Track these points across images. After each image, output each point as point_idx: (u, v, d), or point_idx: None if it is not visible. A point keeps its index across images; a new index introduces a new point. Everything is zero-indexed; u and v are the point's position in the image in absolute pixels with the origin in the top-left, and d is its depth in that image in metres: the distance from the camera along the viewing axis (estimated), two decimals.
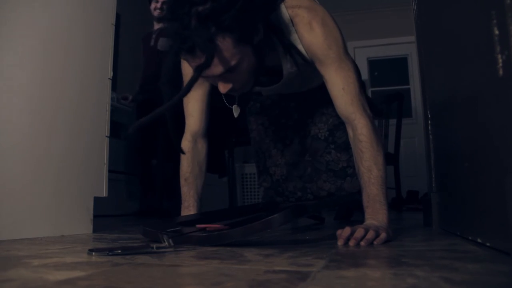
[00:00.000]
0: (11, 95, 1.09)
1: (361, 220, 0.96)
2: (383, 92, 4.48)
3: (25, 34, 1.13)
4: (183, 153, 1.20)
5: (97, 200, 1.32)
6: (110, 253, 0.71)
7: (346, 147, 1.35)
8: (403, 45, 4.67)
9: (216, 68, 0.91)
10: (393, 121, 2.76)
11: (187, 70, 1.16)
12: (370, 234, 0.85)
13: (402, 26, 4.28)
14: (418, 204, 2.69)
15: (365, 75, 4.78)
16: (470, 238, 0.87)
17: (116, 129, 2.82)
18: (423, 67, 1.39)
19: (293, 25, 1.04)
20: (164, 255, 0.73)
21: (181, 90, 0.88)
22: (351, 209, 1.92)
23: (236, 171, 3.16)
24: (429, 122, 1.31)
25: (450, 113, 1.03)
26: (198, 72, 0.88)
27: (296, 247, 0.82)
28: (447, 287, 0.44)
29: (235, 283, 0.47)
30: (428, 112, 1.32)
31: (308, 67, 1.11)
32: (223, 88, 0.98)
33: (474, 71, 0.79)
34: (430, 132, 1.31)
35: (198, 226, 0.93)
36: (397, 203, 2.80)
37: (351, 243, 0.84)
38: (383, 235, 0.86)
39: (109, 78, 1.41)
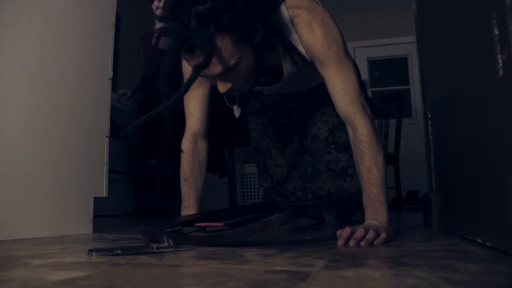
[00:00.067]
0: (10, 95, 1.09)
1: (361, 220, 0.96)
2: (383, 92, 4.48)
3: (24, 34, 1.13)
4: (181, 151, 1.20)
5: (96, 200, 1.32)
6: (110, 253, 0.71)
7: (346, 147, 1.35)
8: (403, 45, 4.67)
9: (215, 68, 0.91)
10: (393, 121, 2.76)
11: (187, 69, 1.16)
12: (370, 234, 0.85)
13: (402, 26, 4.28)
14: (418, 204, 2.69)
15: (365, 75, 4.78)
16: (470, 238, 0.87)
17: (116, 129, 2.82)
18: (423, 67, 1.39)
19: (293, 26, 1.04)
20: (164, 255, 0.73)
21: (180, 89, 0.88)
22: (351, 209, 1.92)
23: (236, 171, 3.15)
24: (429, 122, 1.31)
25: (450, 113, 1.03)
26: (197, 72, 0.88)
27: (296, 247, 0.82)
28: (447, 287, 0.44)
29: (235, 283, 0.47)
30: (428, 112, 1.32)
31: (307, 67, 1.11)
32: (222, 87, 0.98)
33: (474, 71, 0.79)
34: (430, 132, 1.31)
35: (197, 224, 0.93)
36: (397, 203, 2.80)
37: (351, 243, 0.84)
38: (383, 235, 0.86)
39: (109, 78, 1.41)
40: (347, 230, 0.87)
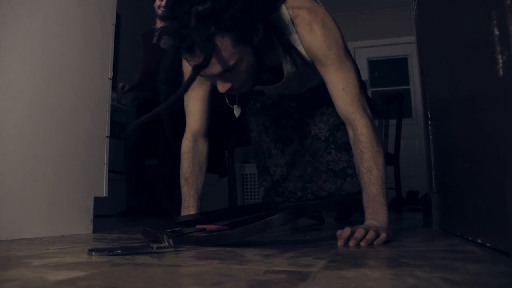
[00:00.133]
0: (10, 95, 1.09)
1: (361, 221, 0.96)
2: (383, 93, 4.48)
3: (24, 35, 1.13)
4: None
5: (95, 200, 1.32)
6: (110, 253, 0.71)
7: (346, 147, 1.35)
8: (403, 46, 4.68)
9: (215, 68, 0.91)
10: (393, 122, 2.76)
11: (187, 69, 1.16)
12: (370, 235, 0.85)
13: (402, 26, 4.29)
14: (418, 205, 2.69)
15: (365, 76, 4.78)
16: (470, 238, 0.87)
17: (116, 129, 2.82)
18: (423, 68, 1.39)
19: (293, 26, 1.05)
20: (164, 255, 0.73)
21: (179, 88, 0.88)
22: (350, 209, 1.92)
23: (236, 171, 3.15)
24: (429, 122, 1.31)
25: (450, 114, 1.03)
26: (196, 71, 0.88)
27: (296, 247, 0.82)
28: (447, 287, 0.44)
29: (235, 283, 0.47)
30: (428, 112, 1.32)
31: (307, 68, 1.11)
32: (222, 87, 0.98)
33: (474, 72, 0.79)
34: (430, 132, 1.31)
35: (198, 226, 0.93)
36: (397, 203, 2.80)
37: (351, 243, 0.84)
38: (383, 236, 0.86)
39: (109, 78, 1.41)
40: (347, 230, 0.87)
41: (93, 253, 0.72)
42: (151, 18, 3.01)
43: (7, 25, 1.09)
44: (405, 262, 0.62)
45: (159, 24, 2.86)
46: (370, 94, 4.47)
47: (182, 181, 1.22)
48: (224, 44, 0.88)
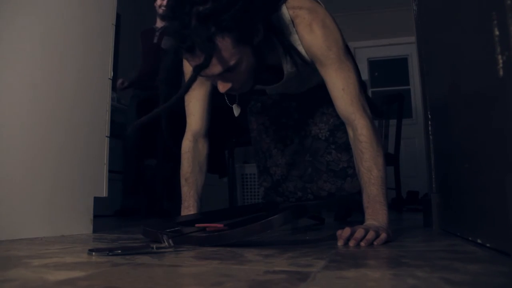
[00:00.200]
0: (10, 95, 1.09)
1: (361, 221, 0.96)
2: (384, 93, 4.48)
3: (24, 34, 1.13)
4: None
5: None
6: (110, 253, 0.71)
7: (346, 147, 1.35)
8: (403, 46, 4.68)
9: (215, 68, 0.91)
10: (393, 122, 2.76)
11: (188, 69, 1.16)
12: (370, 235, 0.85)
13: (402, 26, 4.29)
14: (418, 205, 2.68)
15: (365, 76, 4.78)
16: (470, 238, 0.87)
17: (115, 129, 2.82)
18: (423, 68, 1.39)
19: (293, 26, 1.05)
20: (164, 255, 0.73)
21: (179, 89, 0.89)
22: (350, 209, 1.92)
23: (236, 172, 3.15)
24: (429, 122, 1.31)
25: (450, 114, 1.03)
26: (197, 72, 0.88)
27: (296, 248, 0.82)
28: (447, 287, 0.44)
29: (235, 283, 0.47)
30: (428, 112, 1.32)
31: (307, 68, 1.11)
32: (222, 87, 0.98)
33: (474, 72, 0.79)
34: (430, 132, 1.31)
35: (197, 225, 0.93)
36: (397, 203, 2.80)
37: (351, 243, 0.84)
38: (383, 236, 0.86)
39: (109, 78, 1.41)
40: (347, 231, 0.87)
41: (93, 253, 0.72)
42: (151, 18, 3.01)
43: (7, 25, 1.09)
44: (405, 262, 0.62)
45: (159, 23, 2.86)
46: (370, 94, 4.47)
47: (182, 181, 1.22)
48: (225, 44, 0.88)
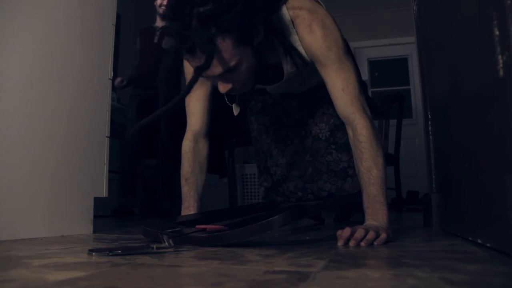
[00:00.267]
0: (10, 95, 1.09)
1: (361, 221, 0.96)
2: (384, 93, 4.48)
3: (24, 35, 1.13)
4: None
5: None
6: (110, 254, 0.71)
7: (347, 147, 1.35)
8: (404, 46, 4.68)
9: (216, 69, 0.92)
10: (393, 122, 2.76)
11: (188, 69, 1.16)
12: (370, 235, 0.85)
13: (402, 26, 4.29)
14: (418, 205, 2.68)
15: (365, 76, 4.78)
16: (470, 238, 0.87)
17: (115, 129, 2.82)
18: (423, 68, 1.39)
19: (294, 27, 1.05)
20: (164, 255, 0.73)
21: (179, 89, 0.89)
22: (350, 210, 1.92)
23: (237, 172, 3.15)
24: (429, 122, 1.31)
25: (450, 114, 1.03)
26: (198, 73, 0.88)
27: (296, 248, 0.82)
28: (447, 287, 0.44)
29: (235, 284, 0.47)
30: (429, 112, 1.32)
31: (307, 68, 1.11)
32: (222, 88, 0.99)
33: (474, 72, 0.79)
34: (430, 132, 1.31)
35: (198, 226, 0.93)
36: (397, 203, 2.80)
37: (351, 243, 0.84)
38: (383, 236, 0.86)
39: (109, 78, 1.41)
40: (347, 231, 0.87)
41: (93, 253, 0.72)
42: (151, 18, 3.01)
43: (7, 25, 1.09)
44: (405, 262, 0.62)
45: (159, 22, 2.86)
46: (370, 94, 4.47)
47: (183, 181, 1.22)
48: (225, 45, 0.88)
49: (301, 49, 1.06)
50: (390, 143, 2.77)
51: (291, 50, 1.06)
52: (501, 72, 0.63)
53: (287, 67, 1.12)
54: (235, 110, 1.18)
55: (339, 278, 0.50)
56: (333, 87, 1.04)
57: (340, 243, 0.86)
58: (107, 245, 0.91)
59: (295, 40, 1.05)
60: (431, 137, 1.31)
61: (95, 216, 1.30)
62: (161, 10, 2.77)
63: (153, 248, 0.76)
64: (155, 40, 2.80)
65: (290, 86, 1.25)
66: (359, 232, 0.85)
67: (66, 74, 1.25)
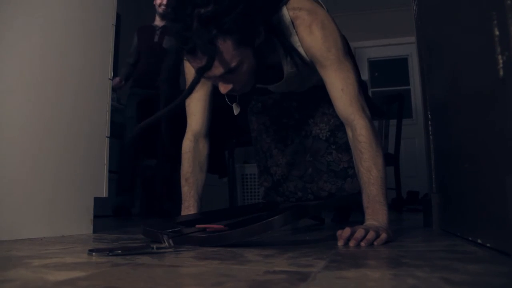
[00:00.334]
0: (10, 95, 1.09)
1: (361, 221, 0.96)
2: (384, 93, 4.49)
3: (24, 35, 1.13)
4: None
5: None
6: (110, 254, 0.71)
7: (347, 147, 1.35)
8: (404, 46, 4.68)
9: (217, 70, 0.92)
10: (393, 122, 2.76)
11: (189, 69, 1.16)
12: (371, 235, 0.85)
13: (402, 26, 4.28)
14: (418, 205, 2.68)
15: (365, 76, 4.78)
16: (470, 238, 0.87)
17: (115, 129, 2.82)
18: (423, 68, 1.39)
19: (294, 27, 1.05)
20: (164, 255, 0.73)
21: (179, 88, 0.89)
22: (349, 210, 1.92)
23: (237, 172, 3.15)
24: (429, 122, 1.31)
25: (451, 114, 1.03)
26: (200, 74, 0.88)
27: (296, 248, 0.82)
28: (447, 287, 0.44)
29: (235, 284, 0.47)
30: (429, 112, 1.32)
31: (307, 68, 1.11)
32: (223, 88, 0.99)
33: (474, 72, 0.79)
34: (430, 132, 1.31)
35: (198, 226, 0.93)
36: (397, 203, 2.80)
37: (351, 243, 0.84)
38: (383, 236, 0.86)
39: (109, 78, 1.41)
40: (347, 231, 0.87)
41: (93, 253, 0.72)
42: (150, 18, 3.01)
43: (7, 25, 1.09)
44: (405, 262, 0.62)
45: (158, 21, 2.86)
46: (370, 94, 4.47)
47: (183, 181, 1.22)
48: (226, 46, 0.88)
49: (301, 50, 1.06)
50: (390, 143, 2.77)
51: (292, 51, 1.06)
52: (501, 72, 0.63)
53: (287, 68, 1.13)
54: (236, 110, 1.19)
55: (339, 278, 0.50)
56: (333, 87, 1.04)
57: (340, 243, 0.86)
58: (107, 245, 0.91)
59: (295, 40, 1.05)
60: (431, 137, 1.31)
61: (95, 216, 1.30)
62: (160, 9, 2.77)
63: (153, 248, 0.76)
64: (155, 40, 2.80)
65: (291, 85, 1.26)
66: (359, 232, 0.85)
67: (66, 74, 1.25)
